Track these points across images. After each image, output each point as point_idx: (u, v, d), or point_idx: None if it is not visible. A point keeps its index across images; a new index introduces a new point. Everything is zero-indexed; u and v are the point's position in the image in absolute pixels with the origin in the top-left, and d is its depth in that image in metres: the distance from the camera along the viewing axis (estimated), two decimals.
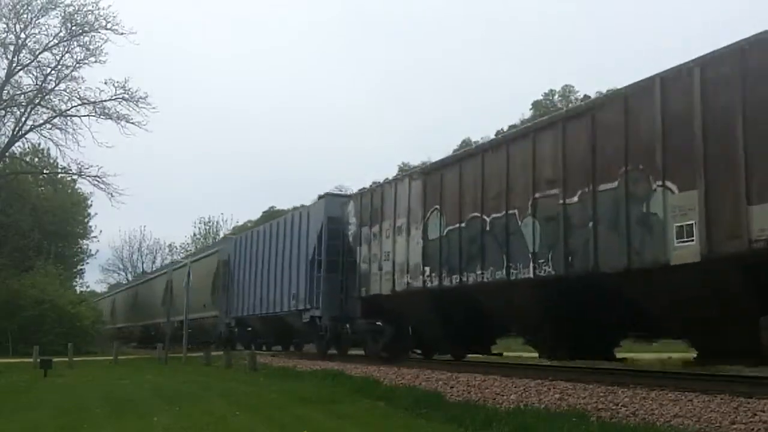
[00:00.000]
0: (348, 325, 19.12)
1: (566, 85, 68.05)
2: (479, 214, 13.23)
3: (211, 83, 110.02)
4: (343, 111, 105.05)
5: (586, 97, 52.40)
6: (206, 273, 31.91)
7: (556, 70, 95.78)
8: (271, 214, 55.59)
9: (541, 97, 67.31)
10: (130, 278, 70.32)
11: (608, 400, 8.91)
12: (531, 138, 12.13)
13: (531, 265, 11.80)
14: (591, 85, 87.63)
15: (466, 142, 57.05)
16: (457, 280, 13.77)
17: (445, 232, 14.29)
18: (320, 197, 20.88)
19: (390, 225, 16.45)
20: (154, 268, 63.87)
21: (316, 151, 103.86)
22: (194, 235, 70.00)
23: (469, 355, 17.28)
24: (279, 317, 23.49)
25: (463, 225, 13.72)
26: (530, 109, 65.32)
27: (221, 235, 62.14)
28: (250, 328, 27.56)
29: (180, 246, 71.39)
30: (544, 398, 9.70)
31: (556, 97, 66.68)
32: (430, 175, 15.25)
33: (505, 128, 49.92)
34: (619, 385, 9.76)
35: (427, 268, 14.83)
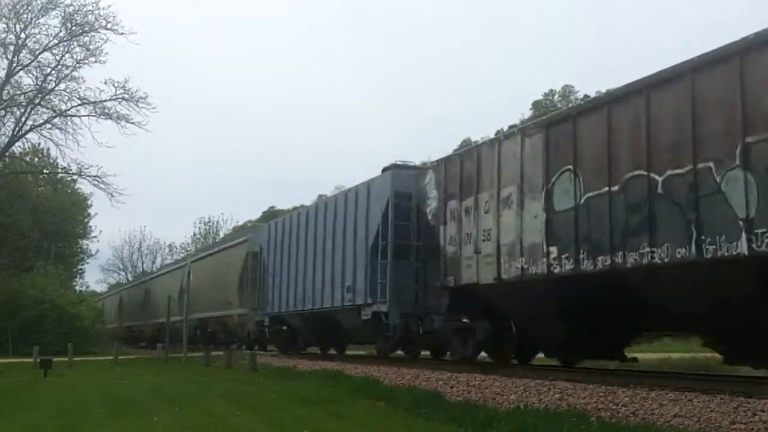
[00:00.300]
0: (420, 323, 15.85)
1: (566, 85, 68.03)
2: (644, 172, 9.88)
3: (211, 83, 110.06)
4: (343, 111, 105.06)
5: (585, 96, 52.36)
6: (232, 266, 28.85)
7: (556, 70, 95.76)
8: (271, 214, 55.56)
9: (541, 97, 67.29)
10: (130, 278, 70.31)
11: (608, 400, 8.92)
12: (735, 62, 8.85)
13: (743, 236, 8.63)
14: (591, 85, 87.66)
15: (466, 142, 57.03)
16: (607, 263, 10.42)
17: (584, 200, 10.90)
18: (385, 169, 17.56)
19: (491, 196, 13.03)
20: (154, 268, 63.82)
21: (316, 151, 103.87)
22: (194, 235, 70.05)
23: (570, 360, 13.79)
24: (326, 314, 20.08)
25: (615, 188, 10.36)
26: (530, 109, 65.31)
27: (221, 235, 62.16)
28: (285, 327, 24.11)
29: (180, 246, 71.46)
30: (544, 398, 9.71)
31: (556, 97, 66.68)
32: (556, 126, 11.75)
33: (505, 128, 49.80)
34: (619, 385, 9.75)
35: (554, 249, 11.41)
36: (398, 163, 17.67)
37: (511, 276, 12.45)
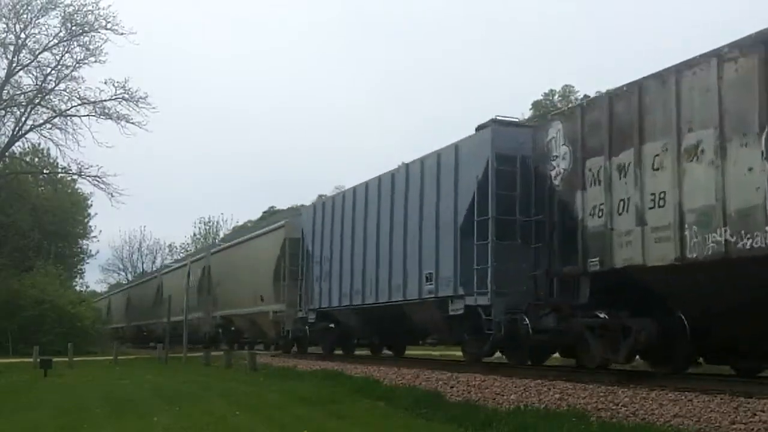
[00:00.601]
0: (527, 320, 12.35)
1: (566, 85, 67.98)
2: None
3: (211, 83, 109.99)
4: (343, 111, 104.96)
5: (585, 97, 52.47)
6: (264, 256, 25.14)
7: (556, 70, 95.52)
8: (271, 214, 55.58)
9: (541, 97, 67.28)
10: (130, 278, 70.29)
11: (608, 400, 8.92)
12: None
13: None
14: (591, 85, 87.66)
15: None
16: None
17: None
18: (480, 127, 14.03)
19: (666, 146, 9.80)
20: (154, 268, 63.75)
21: (316, 151, 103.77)
22: (194, 235, 70.18)
23: None
24: (393, 309, 16.60)
25: None
26: (530, 109, 65.30)
27: (221, 235, 62.15)
28: (332, 325, 20.57)
29: (180, 246, 71.53)
30: (544, 398, 9.71)
31: (556, 97, 66.69)
32: None
33: None
34: (619, 385, 9.76)
35: None
36: (501, 117, 13.94)
37: (707, 254, 9.17)
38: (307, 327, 21.41)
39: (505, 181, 12.99)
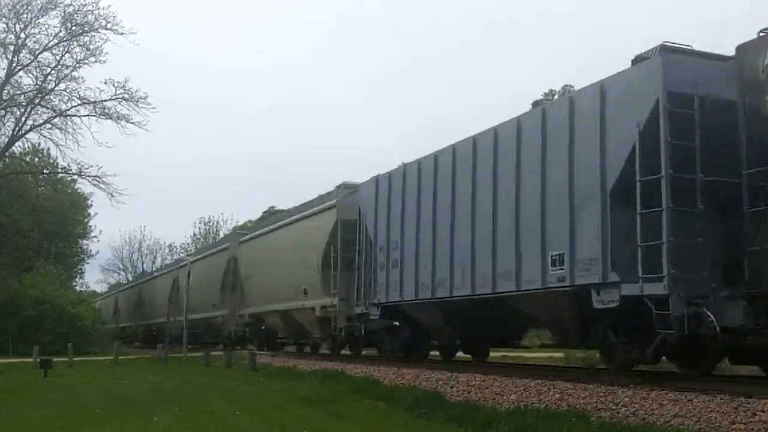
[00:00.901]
0: (710, 315, 9.08)
1: (566, 85, 67.76)
2: None
3: (211, 83, 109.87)
4: (343, 111, 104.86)
5: None
6: (311, 242, 21.25)
7: (556, 70, 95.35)
8: (271, 214, 55.54)
9: (541, 97, 67.20)
10: (130, 278, 70.27)
11: (608, 400, 8.92)
12: None
13: None
14: None
15: None
16: None
17: None
18: (638, 59, 10.69)
19: None
20: (154, 268, 63.70)
21: (316, 151, 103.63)
22: (194, 235, 70.14)
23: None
24: (498, 301, 13.20)
25: None
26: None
27: (221, 235, 62.12)
28: (397, 324, 17.23)
29: (180, 246, 71.48)
30: (544, 398, 9.71)
31: (556, 97, 66.69)
32: None
33: None
34: (619, 385, 9.76)
35: None
36: (668, 44, 10.45)
37: None
38: (362, 325, 18.23)
39: (679, 127, 9.76)
